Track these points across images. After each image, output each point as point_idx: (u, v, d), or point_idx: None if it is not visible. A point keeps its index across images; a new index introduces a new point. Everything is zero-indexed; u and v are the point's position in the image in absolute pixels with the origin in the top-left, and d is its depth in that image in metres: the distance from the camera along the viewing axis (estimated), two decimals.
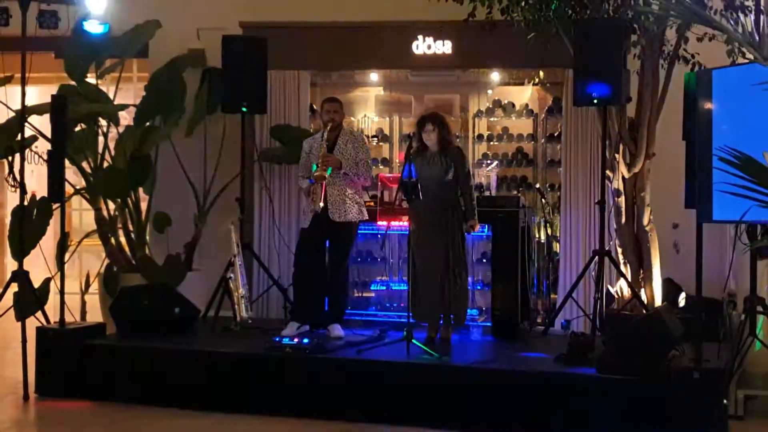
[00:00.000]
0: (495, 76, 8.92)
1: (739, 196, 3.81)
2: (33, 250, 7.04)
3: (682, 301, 6.98)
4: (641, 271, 7.04)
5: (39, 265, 7.22)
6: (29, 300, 6.63)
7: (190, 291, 7.27)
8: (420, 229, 6.36)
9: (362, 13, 8.04)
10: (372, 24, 8.02)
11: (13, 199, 7.73)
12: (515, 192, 8.70)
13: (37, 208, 7.33)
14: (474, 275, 7.19)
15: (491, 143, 9.17)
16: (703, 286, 5.42)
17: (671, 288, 7.07)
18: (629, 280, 6.96)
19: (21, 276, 6.56)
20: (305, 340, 6.03)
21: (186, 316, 6.86)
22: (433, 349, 6.01)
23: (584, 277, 7.18)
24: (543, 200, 7.94)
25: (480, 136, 9.12)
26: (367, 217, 6.84)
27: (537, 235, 7.71)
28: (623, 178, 7.04)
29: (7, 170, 7.24)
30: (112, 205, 7.98)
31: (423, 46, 8.01)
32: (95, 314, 7.76)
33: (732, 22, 4.69)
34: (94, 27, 7.45)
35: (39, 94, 8.79)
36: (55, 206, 7.06)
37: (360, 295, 7.71)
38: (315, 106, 8.46)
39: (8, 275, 6.81)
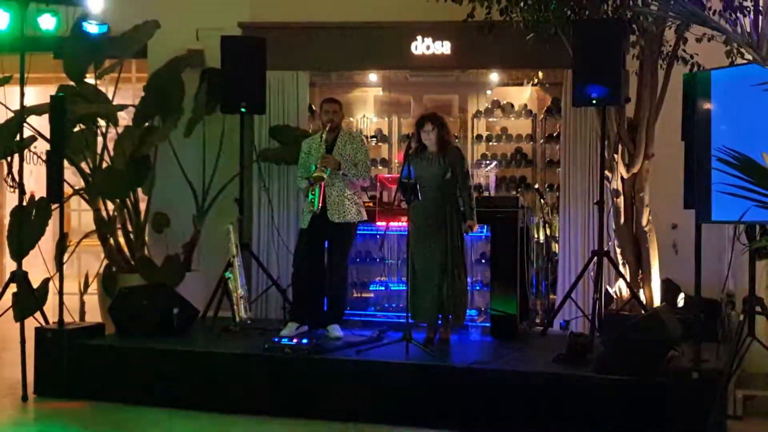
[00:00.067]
0: (494, 76, 8.92)
1: (738, 197, 3.81)
2: (32, 250, 7.03)
3: (680, 301, 6.98)
4: (640, 272, 7.04)
5: (38, 265, 7.21)
6: (28, 300, 6.62)
7: (189, 291, 7.28)
8: (419, 230, 6.36)
9: (361, 14, 8.03)
10: (371, 24, 8.01)
11: (12, 200, 7.74)
12: (514, 192, 8.72)
13: (36, 209, 7.32)
14: (473, 275, 7.18)
15: (490, 144, 9.17)
16: (701, 287, 5.41)
17: (670, 288, 7.06)
18: (628, 280, 6.96)
19: (20, 276, 6.57)
20: (304, 341, 6.03)
21: (185, 316, 6.85)
22: (432, 349, 6.02)
23: (583, 278, 7.18)
24: (542, 200, 7.94)
25: (479, 137, 9.13)
26: (366, 218, 6.83)
27: (536, 236, 7.71)
28: (622, 178, 7.04)
29: (6, 171, 7.23)
30: (111, 206, 7.98)
31: (422, 46, 8.01)
32: (94, 315, 7.75)
33: (730, 23, 4.68)
34: (92, 27, 7.45)
35: (38, 94, 8.79)
36: (54, 207, 7.05)
37: (359, 295, 7.71)
38: (314, 107, 8.47)
39: (7, 276, 6.81)
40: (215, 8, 8.45)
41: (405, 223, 6.46)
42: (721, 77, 5.19)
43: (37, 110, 7.34)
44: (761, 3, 5.93)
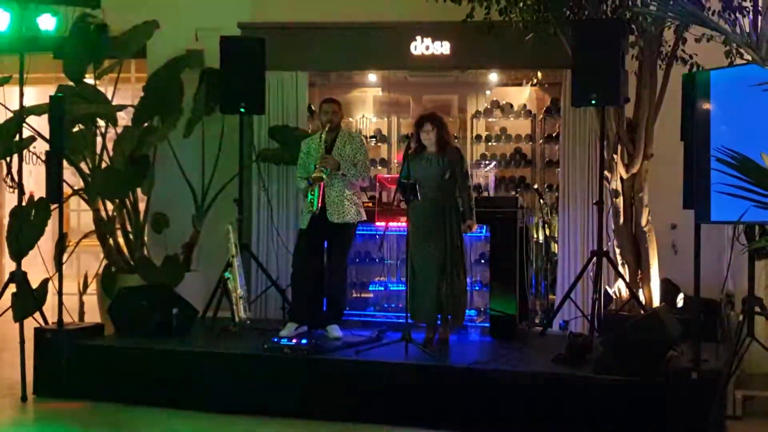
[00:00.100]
0: (493, 76, 8.93)
1: (737, 197, 3.81)
2: (31, 250, 7.02)
3: (680, 301, 6.97)
4: (639, 272, 7.04)
5: (37, 265, 7.21)
6: (27, 301, 6.62)
7: (188, 292, 7.27)
8: (418, 230, 6.36)
9: (360, 14, 8.03)
10: (370, 25, 8.01)
11: (11, 200, 7.73)
12: (513, 192, 8.72)
13: (36, 209, 7.31)
14: (472, 276, 7.18)
15: (489, 144, 9.18)
16: (701, 287, 5.41)
17: (669, 288, 7.06)
18: (627, 280, 6.96)
19: (19, 276, 6.57)
20: (303, 341, 6.03)
21: (184, 316, 6.85)
22: (431, 350, 6.02)
23: (582, 278, 7.18)
24: (541, 201, 7.94)
25: (478, 137, 9.13)
26: (366, 218, 6.83)
27: (535, 236, 7.72)
28: (621, 178, 7.04)
29: (5, 171, 7.24)
30: (110, 206, 7.98)
31: (421, 46, 8.01)
32: (93, 315, 7.75)
33: (730, 23, 4.68)
34: (92, 27, 7.45)
35: (37, 94, 8.79)
36: (53, 207, 7.05)
37: (358, 295, 7.71)
38: (313, 107, 8.47)
39: (6, 276, 6.81)
40: (214, 8, 8.45)
41: (404, 224, 6.46)
42: (720, 77, 5.19)
43: (37, 110, 7.34)
44: (760, 3, 5.94)
